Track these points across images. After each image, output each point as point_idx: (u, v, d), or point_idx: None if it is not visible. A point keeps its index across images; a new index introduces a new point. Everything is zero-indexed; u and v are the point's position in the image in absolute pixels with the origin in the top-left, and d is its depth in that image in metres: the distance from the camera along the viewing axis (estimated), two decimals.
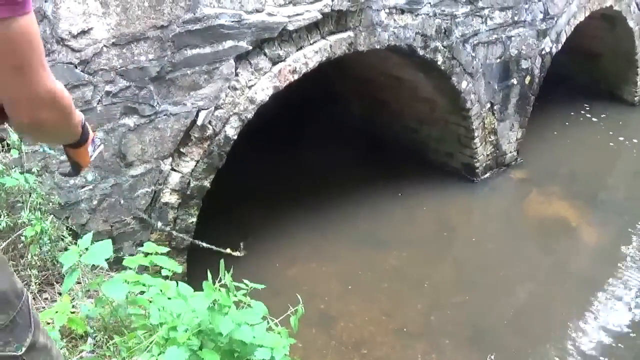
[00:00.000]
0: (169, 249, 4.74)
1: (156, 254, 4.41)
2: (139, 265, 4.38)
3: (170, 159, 6.56)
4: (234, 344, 3.71)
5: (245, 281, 4.17)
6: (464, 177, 10.93)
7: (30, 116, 2.11)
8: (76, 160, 2.80)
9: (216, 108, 6.66)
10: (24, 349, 2.32)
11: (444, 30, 8.87)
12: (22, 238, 4.73)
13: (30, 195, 4.95)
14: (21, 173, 5.01)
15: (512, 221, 10.12)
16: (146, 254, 4.43)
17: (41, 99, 2.09)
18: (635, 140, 12.79)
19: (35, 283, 4.71)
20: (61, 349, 3.84)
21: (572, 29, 11.24)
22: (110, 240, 4.06)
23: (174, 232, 6.80)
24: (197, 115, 6.54)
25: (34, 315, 2.42)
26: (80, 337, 4.15)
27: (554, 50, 11.04)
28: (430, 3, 8.55)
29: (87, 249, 3.99)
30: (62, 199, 5.70)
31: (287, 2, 6.92)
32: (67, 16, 5.36)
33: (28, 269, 4.74)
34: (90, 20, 5.50)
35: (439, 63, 9.03)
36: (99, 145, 2.91)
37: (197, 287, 4.15)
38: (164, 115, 6.28)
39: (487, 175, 11.02)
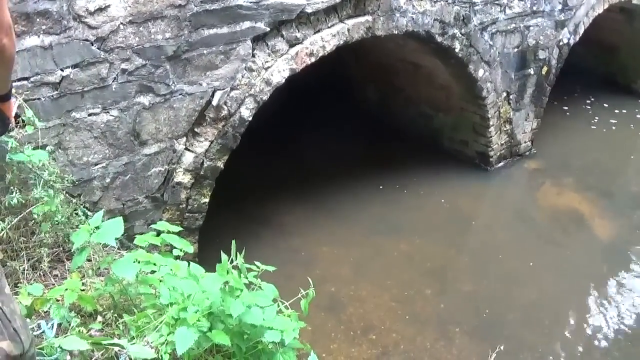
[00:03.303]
0: (181, 229, 4.72)
1: (168, 232, 4.40)
2: (150, 244, 4.37)
3: (185, 138, 6.54)
4: (244, 326, 3.71)
5: (257, 263, 4.17)
6: (477, 166, 10.91)
7: None
8: (6, 113, 3.08)
9: (232, 89, 6.64)
10: None
11: (462, 18, 8.82)
12: (34, 215, 4.71)
13: (43, 172, 4.94)
14: (34, 149, 5.00)
15: (524, 211, 10.08)
16: (158, 233, 4.43)
17: (7, 25, 2.39)
18: None
19: (46, 260, 4.70)
20: (77, 326, 3.84)
21: (590, 21, 11.17)
22: (121, 219, 4.05)
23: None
24: (212, 96, 6.52)
25: None
26: (89, 315, 4.14)
27: (572, 42, 10.98)
28: None
29: (97, 227, 3.99)
30: (74, 176, 5.68)
31: None
32: None
33: (39, 246, 4.73)
34: None
35: (456, 50, 9.00)
36: (16, 101, 3.18)
37: (208, 268, 4.15)
38: (179, 94, 6.27)
39: (501, 164, 10.99)
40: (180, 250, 4.38)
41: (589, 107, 13.76)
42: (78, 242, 3.96)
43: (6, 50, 2.44)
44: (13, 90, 3.17)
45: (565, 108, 13.45)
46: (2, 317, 2.63)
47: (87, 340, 3.54)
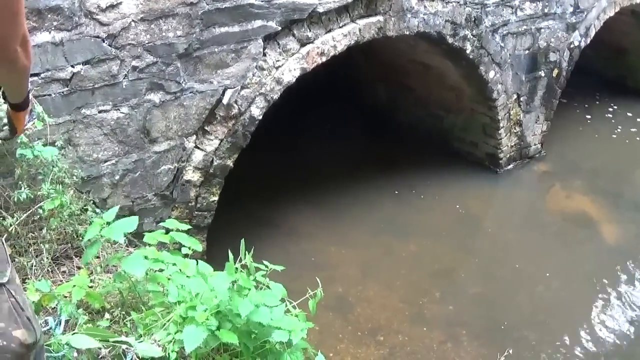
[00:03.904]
0: (189, 227, 4.72)
1: (177, 230, 4.40)
2: (159, 242, 4.37)
3: (195, 136, 6.55)
4: (252, 325, 3.70)
5: (265, 262, 4.16)
6: (487, 168, 10.88)
7: (12, 48, 2.43)
8: (14, 123, 3.16)
9: (242, 87, 6.64)
10: (6, 279, 2.61)
11: (473, 19, 8.81)
12: (42, 211, 4.71)
13: (52, 168, 4.94)
14: (44, 145, 5.00)
15: (533, 214, 10.06)
16: (167, 231, 4.42)
17: (23, 36, 2.44)
18: None
19: (54, 256, 4.70)
20: (84, 323, 3.83)
21: (602, 24, 11.14)
22: (136, 217, 4.06)
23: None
24: (223, 94, 6.52)
25: (8, 254, 2.71)
26: (97, 312, 4.13)
27: (583, 45, 10.94)
28: None
29: (108, 223, 3.99)
30: (84, 172, 5.70)
31: None
32: None
33: (47, 242, 4.73)
34: None
35: (467, 52, 8.98)
36: (34, 118, 3.32)
37: (216, 266, 4.14)
38: (190, 92, 6.27)
39: (511, 166, 10.97)
40: (189, 248, 4.38)
41: (599, 110, 13.65)
42: (89, 235, 3.96)
43: (19, 61, 2.48)
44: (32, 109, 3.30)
45: (575, 111, 13.39)
46: (16, 305, 2.68)
47: (96, 337, 3.53)
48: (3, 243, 2.69)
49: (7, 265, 2.66)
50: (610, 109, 13.77)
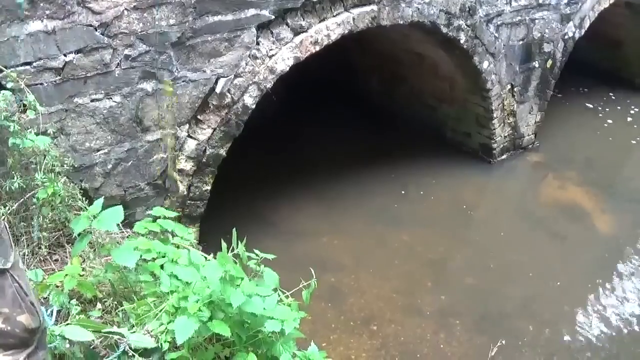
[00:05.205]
0: (177, 213, 4.70)
1: (164, 218, 4.38)
2: (152, 230, 4.35)
3: (187, 125, 6.53)
4: (244, 315, 3.69)
5: (256, 251, 4.15)
6: (480, 158, 10.88)
7: None
8: None
9: (235, 76, 6.62)
10: (9, 264, 2.60)
11: (468, 9, 8.78)
12: (35, 199, 4.70)
13: (44, 157, 4.92)
14: (36, 134, 4.98)
15: (526, 204, 10.05)
16: (154, 218, 4.40)
17: None
18: None
19: (45, 245, 4.68)
20: (77, 313, 3.81)
21: (596, 15, 11.12)
22: (120, 207, 4.03)
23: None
24: (216, 83, 6.51)
25: (11, 239, 2.70)
26: (89, 302, 4.12)
27: (577, 36, 10.92)
28: None
29: (95, 215, 3.96)
30: (76, 161, 5.68)
31: None
32: None
33: (39, 231, 4.71)
34: None
35: (461, 42, 8.95)
36: None
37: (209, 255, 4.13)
38: (183, 81, 6.25)
39: (504, 157, 10.96)
40: (182, 238, 4.37)
41: (592, 102, 13.65)
42: (78, 229, 3.93)
43: None
44: (14, 75, 3.27)
45: (569, 102, 13.36)
46: (19, 290, 2.68)
47: (90, 328, 3.51)
48: (6, 227, 2.68)
49: (10, 250, 2.66)
50: (603, 101, 13.75)
